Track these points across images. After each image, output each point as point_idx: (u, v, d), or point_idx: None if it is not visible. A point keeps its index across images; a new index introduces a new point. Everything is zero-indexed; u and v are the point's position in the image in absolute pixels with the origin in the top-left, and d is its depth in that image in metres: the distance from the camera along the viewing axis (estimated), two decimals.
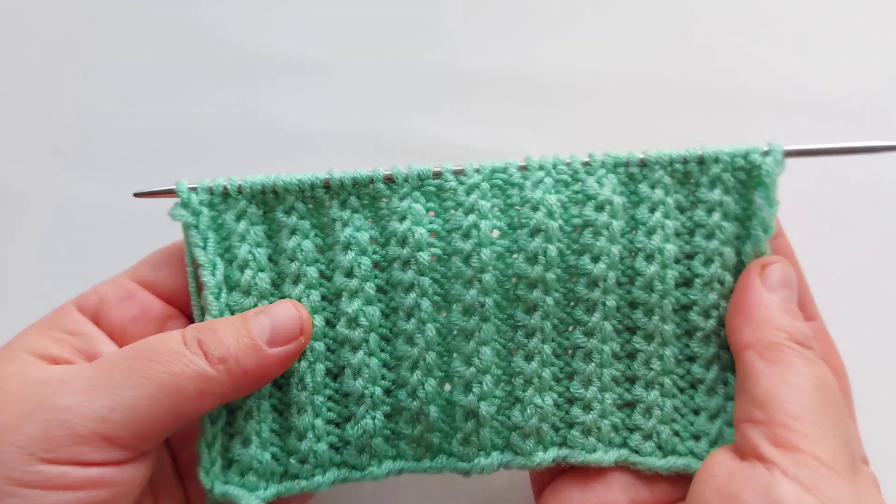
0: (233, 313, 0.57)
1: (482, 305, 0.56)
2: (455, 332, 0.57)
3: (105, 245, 0.68)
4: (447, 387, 0.58)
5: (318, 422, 0.56)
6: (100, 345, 0.54)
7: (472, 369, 0.56)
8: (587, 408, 0.56)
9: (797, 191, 0.71)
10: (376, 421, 0.56)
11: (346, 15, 0.82)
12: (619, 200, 0.56)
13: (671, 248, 0.56)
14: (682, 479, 0.56)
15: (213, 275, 0.56)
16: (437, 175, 0.57)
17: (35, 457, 0.46)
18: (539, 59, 0.81)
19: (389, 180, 0.57)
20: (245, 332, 0.53)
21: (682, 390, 0.58)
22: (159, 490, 0.56)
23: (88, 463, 0.47)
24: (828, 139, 0.70)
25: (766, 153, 0.56)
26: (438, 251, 0.57)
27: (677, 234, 0.57)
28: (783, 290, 0.54)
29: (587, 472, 0.57)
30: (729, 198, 0.57)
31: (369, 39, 0.82)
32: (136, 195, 0.59)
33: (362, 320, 0.56)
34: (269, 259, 0.58)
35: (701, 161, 0.57)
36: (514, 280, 0.56)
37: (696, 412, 0.57)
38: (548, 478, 0.60)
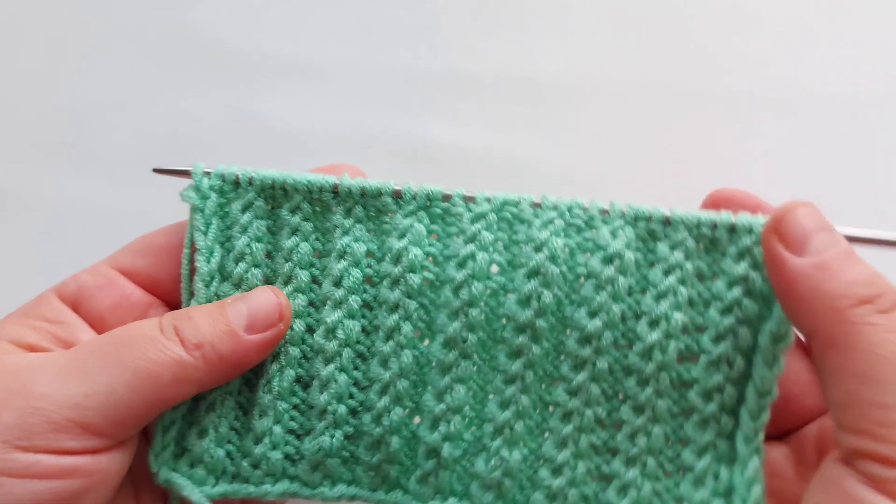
0: None
1: (464, 341, 0.53)
2: (433, 363, 0.54)
3: (101, 245, 0.67)
4: (417, 419, 0.54)
5: (278, 429, 0.54)
6: (79, 332, 0.54)
7: (443, 406, 0.53)
8: (557, 472, 0.52)
9: (793, 188, 0.69)
10: (334, 440, 0.54)
11: (343, 16, 0.82)
12: (630, 256, 0.52)
13: (680, 318, 0.51)
14: None
15: (209, 261, 0.56)
16: (447, 198, 0.55)
17: (9, 445, 0.45)
18: (537, 60, 0.80)
19: (398, 196, 0.55)
20: (222, 319, 0.52)
21: (667, 474, 0.52)
22: (139, 483, 0.55)
23: (64, 451, 0.46)
24: (828, 141, 0.73)
25: None
26: (431, 276, 0.54)
27: (691, 304, 0.52)
28: (815, 238, 0.45)
29: None
30: (756, 274, 0.51)
31: (366, 41, 0.81)
32: (154, 171, 0.60)
33: (339, 333, 0.54)
34: (267, 255, 0.57)
35: (732, 229, 0.52)
36: (503, 321, 0.53)
37: (679, 501, 0.52)
38: None
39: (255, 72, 0.82)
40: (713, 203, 0.55)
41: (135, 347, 0.49)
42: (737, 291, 0.51)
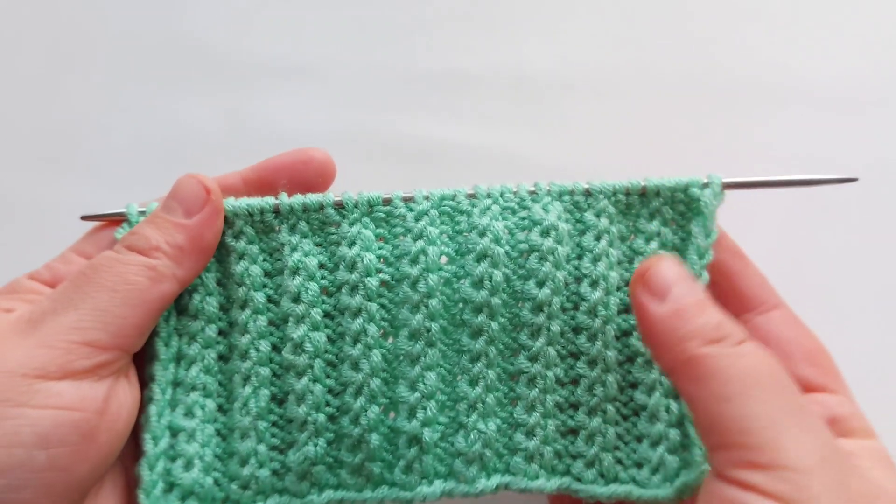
0: (181, 337, 0.57)
1: (428, 330, 0.56)
2: (401, 357, 0.57)
3: None
4: (392, 416, 0.57)
5: (262, 448, 0.56)
6: None
7: (417, 394, 0.56)
8: (530, 434, 0.56)
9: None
10: (318, 448, 0.56)
11: (336, 17, 0.83)
12: (564, 227, 0.57)
13: (615, 276, 0.57)
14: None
15: None
16: (387, 202, 0.58)
17: (28, 377, 0.48)
18: (531, 57, 0.81)
19: (339, 206, 0.58)
20: (161, 219, 0.55)
21: (625, 417, 0.58)
22: (125, 455, 0.55)
23: (79, 372, 0.49)
24: (826, 133, 0.75)
25: (705, 185, 0.58)
26: (387, 276, 0.57)
27: (619, 262, 0.59)
28: (673, 289, 0.51)
29: None
30: (666, 229, 0.58)
31: (360, 41, 0.82)
32: (83, 218, 0.60)
33: (308, 346, 0.56)
34: (218, 283, 0.58)
35: (643, 193, 0.58)
36: (460, 305, 0.57)
37: (639, 440, 0.58)
38: None
39: (251, 75, 0.81)
40: None
41: (102, 271, 0.52)
42: (654, 245, 0.58)
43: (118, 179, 0.80)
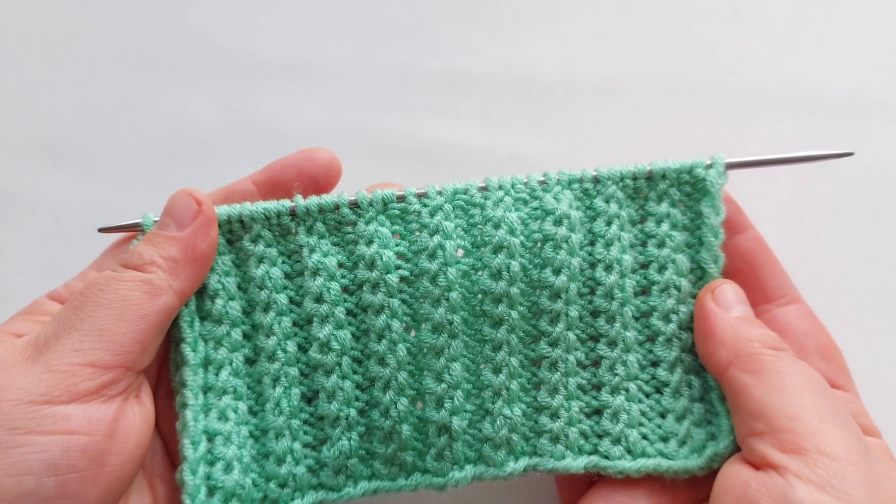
0: (206, 343, 0.58)
1: (450, 323, 0.58)
2: (425, 350, 0.58)
3: (102, 246, 0.67)
4: (419, 405, 0.59)
5: (297, 445, 0.57)
6: None
7: (444, 385, 0.57)
8: (554, 416, 0.58)
9: (794, 188, 0.75)
10: (352, 442, 0.57)
11: (342, 16, 0.83)
12: (575, 215, 0.59)
13: (628, 259, 0.59)
14: (702, 482, 0.57)
15: (186, 305, 0.57)
16: (401, 199, 0.59)
17: (35, 403, 0.48)
18: (535, 59, 0.82)
19: (354, 205, 0.59)
20: (155, 235, 0.56)
21: (647, 395, 0.60)
22: (153, 475, 0.57)
23: (84, 394, 0.49)
24: (826, 139, 0.76)
25: (709, 166, 0.59)
26: (406, 272, 0.59)
27: (632, 245, 0.60)
28: (739, 305, 0.57)
29: (612, 485, 0.59)
30: (675, 210, 0.60)
31: (365, 41, 0.83)
32: (100, 230, 0.60)
33: (334, 344, 0.58)
34: (239, 287, 0.59)
35: (649, 177, 0.60)
36: (479, 296, 0.58)
37: (663, 415, 0.60)
38: (574, 495, 0.62)
39: (254, 72, 0.81)
40: None
41: (98, 290, 0.52)
42: (665, 227, 0.60)
43: (123, 175, 0.80)
